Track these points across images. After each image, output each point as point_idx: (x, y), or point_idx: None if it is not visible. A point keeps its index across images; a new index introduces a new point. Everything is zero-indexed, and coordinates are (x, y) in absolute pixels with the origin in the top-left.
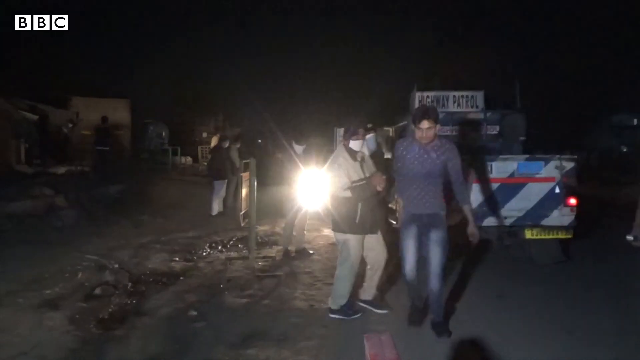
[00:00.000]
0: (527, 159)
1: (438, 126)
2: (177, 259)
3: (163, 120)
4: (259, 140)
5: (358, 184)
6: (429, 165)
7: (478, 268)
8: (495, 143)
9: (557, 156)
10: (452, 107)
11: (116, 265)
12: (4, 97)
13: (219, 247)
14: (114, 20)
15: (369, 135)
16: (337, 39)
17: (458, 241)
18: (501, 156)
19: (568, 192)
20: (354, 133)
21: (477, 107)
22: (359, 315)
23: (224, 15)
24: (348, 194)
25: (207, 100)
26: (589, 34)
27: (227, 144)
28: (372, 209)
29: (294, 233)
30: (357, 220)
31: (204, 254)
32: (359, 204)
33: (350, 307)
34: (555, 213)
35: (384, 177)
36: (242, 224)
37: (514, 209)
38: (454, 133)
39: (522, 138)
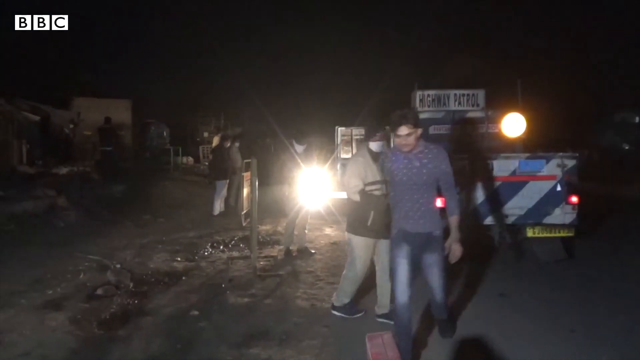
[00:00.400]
0: (528, 157)
1: (419, 130)
2: (179, 259)
3: (164, 121)
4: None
5: (372, 187)
6: (415, 175)
7: (480, 267)
8: (497, 141)
9: (559, 154)
10: (453, 106)
11: (118, 266)
12: (6, 98)
13: (221, 247)
14: (114, 20)
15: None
16: (338, 39)
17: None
18: (502, 154)
19: (570, 190)
20: (373, 135)
21: (478, 105)
22: (361, 314)
23: (226, 14)
24: (357, 197)
25: (208, 100)
26: (591, 30)
27: (228, 144)
28: (384, 213)
29: (296, 232)
30: (368, 224)
31: (206, 253)
32: (372, 209)
33: (353, 305)
34: (557, 211)
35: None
36: (244, 224)
37: (515, 207)
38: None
39: (523, 136)
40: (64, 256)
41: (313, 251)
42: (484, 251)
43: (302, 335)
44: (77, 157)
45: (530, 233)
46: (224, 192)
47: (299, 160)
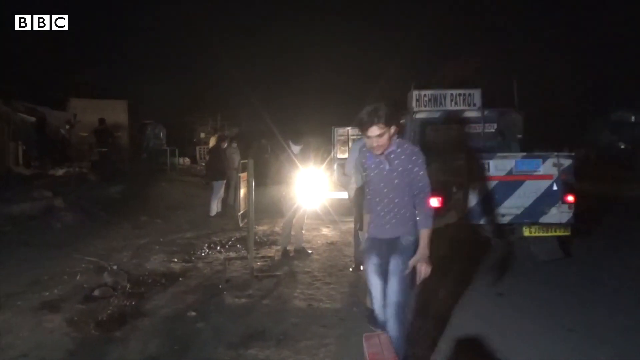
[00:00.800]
0: (524, 157)
1: (393, 128)
2: (176, 259)
3: (161, 121)
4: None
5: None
6: (385, 178)
7: (477, 266)
8: (493, 141)
9: (555, 153)
10: (449, 106)
11: (115, 267)
12: (2, 99)
13: (218, 248)
14: (112, 21)
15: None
16: (335, 39)
17: (454, 239)
18: (499, 154)
19: (566, 189)
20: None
21: (474, 105)
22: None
23: (223, 15)
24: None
25: (205, 100)
26: (587, 31)
27: (225, 145)
28: None
29: (293, 233)
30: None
31: (203, 254)
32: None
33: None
34: (553, 210)
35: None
36: (241, 224)
37: (511, 206)
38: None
39: (519, 136)
40: (61, 257)
41: (310, 251)
42: (482, 251)
43: (299, 335)
44: (73, 158)
45: (526, 232)
46: (221, 192)
47: (296, 161)
